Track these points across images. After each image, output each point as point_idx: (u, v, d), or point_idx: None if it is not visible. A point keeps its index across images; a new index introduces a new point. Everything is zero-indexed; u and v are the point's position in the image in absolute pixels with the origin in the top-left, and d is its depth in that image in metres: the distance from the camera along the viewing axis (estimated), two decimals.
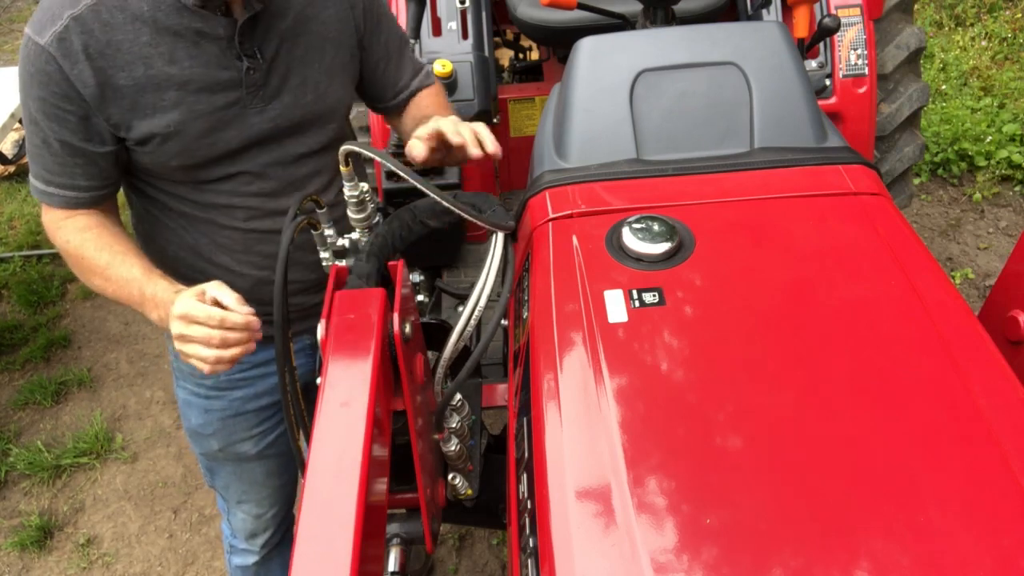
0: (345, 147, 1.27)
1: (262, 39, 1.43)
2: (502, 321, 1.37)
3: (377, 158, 1.31)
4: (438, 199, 1.31)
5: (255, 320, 1.28)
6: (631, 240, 1.30)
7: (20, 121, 3.42)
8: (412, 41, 2.38)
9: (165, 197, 1.53)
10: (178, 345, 1.28)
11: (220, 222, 1.54)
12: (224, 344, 1.26)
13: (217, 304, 1.27)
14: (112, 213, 1.52)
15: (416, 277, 1.99)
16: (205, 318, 1.25)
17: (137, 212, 1.61)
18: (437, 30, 2.45)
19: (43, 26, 1.32)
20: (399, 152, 2.01)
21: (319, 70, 1.52)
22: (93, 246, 1.44)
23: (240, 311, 1.26)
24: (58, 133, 1.38)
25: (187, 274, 1.58)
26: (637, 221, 1.33)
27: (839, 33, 2.35)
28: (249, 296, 1.62)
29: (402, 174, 1.29)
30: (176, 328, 1.26)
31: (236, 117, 1.45)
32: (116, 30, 1.33)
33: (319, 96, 1.53)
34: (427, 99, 1.74)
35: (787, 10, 2.41)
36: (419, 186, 1.30)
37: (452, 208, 1.34)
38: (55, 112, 1.36)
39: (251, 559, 1.96)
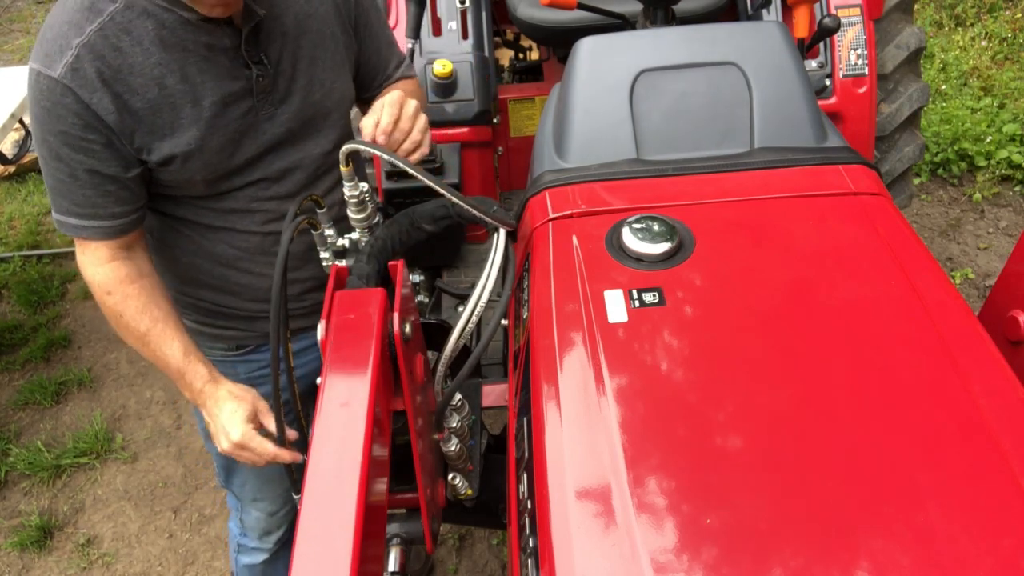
0: (346, 146, 1.28)
1: (267, 44, 1.44)
2: (502, 321, 1.37)
3: (382, 155, 1.31)
4: (445, 193, 1.32)
5: (298, 457, 1.45)
6: (631, 240, 1.30)
7: (20, 122, 3.41)
8: (412, 41, 2.38)
9: (184, 209, 1.53)
10: (223, 451, 1.48)
11: (239, 227, 1.55)
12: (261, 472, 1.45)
13: (261, 427, 1.46)
14: (145, 252, 1.52)
15: (416, 277, 1.99)
16: (260, 454, 1.44)
17: (150, 225, 1.60)
18: (437, 30, 2.45)
19: (52, 59, 1.29)
20: None
21: (324, 67, 1.52)
22: (134, 307, 1.45)
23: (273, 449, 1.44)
24: (86, 164, 1.35)
25: (206, 281, 1.60)
26: (637, 221, 1.33)
27: (839, 33, 2.35)
28: (267, 297, 1.63)
29: (410, 171, 1.29)
30: (227, 447, 1.46)
31: (250, 126, 1.45)
32: (126, 54, 1.31)
33: (327, 92, 1.54)
34: (401, 85, 1.74)
35: (787, 10, 2.41)
36: (427, 181, 1.30)
37: (456, 203, 1.34)
38: (80, 144, 1.33)
39: (260, 557, 1.97)
